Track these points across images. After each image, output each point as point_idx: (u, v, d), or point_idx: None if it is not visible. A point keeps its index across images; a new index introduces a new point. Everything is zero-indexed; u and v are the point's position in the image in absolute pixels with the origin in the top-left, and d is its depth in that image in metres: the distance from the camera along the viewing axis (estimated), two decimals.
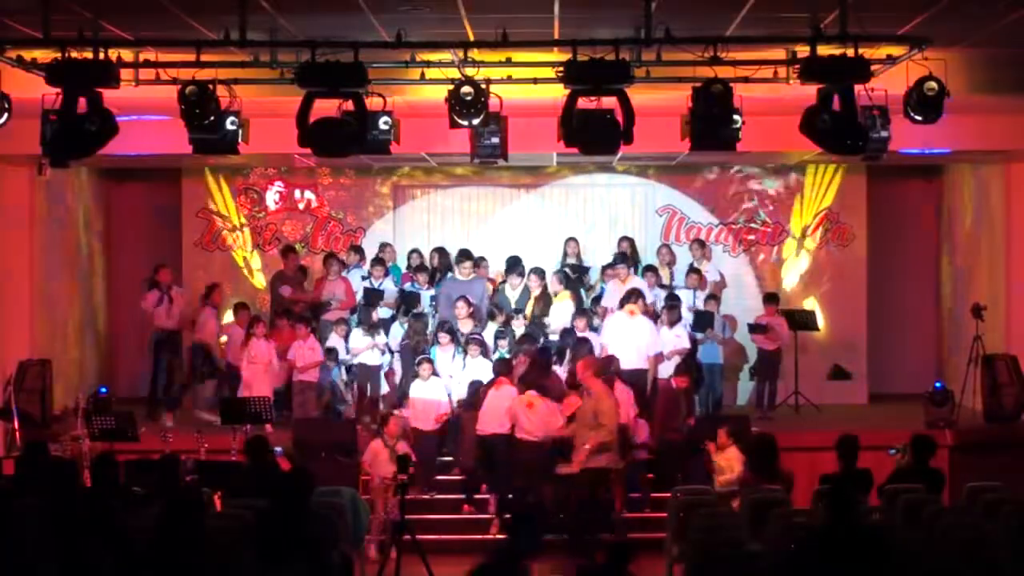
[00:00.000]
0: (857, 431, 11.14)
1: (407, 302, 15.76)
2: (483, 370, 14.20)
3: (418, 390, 14.09)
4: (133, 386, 18.01)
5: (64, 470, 10.47)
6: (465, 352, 14.49)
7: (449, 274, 16.14)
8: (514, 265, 15.86)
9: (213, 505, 10.42)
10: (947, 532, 8.96)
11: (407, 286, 16.13)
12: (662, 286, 15.99)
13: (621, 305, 14.73)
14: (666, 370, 14.64)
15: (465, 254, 15.95)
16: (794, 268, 18.25)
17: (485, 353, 14.44)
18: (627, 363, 14.21)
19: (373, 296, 15.64)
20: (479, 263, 16.14)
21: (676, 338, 14.87)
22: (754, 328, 16.51)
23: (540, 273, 15.75)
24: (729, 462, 12.06)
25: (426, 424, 13.95)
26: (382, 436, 13.27)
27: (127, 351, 18.82)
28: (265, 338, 15.15)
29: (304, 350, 15.04)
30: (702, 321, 15.54)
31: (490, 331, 14.96)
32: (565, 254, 16.81)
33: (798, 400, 16.63)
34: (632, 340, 14.46)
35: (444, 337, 14.71)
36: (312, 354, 15.04)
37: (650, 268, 16.27)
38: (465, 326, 14.86)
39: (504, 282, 15.98)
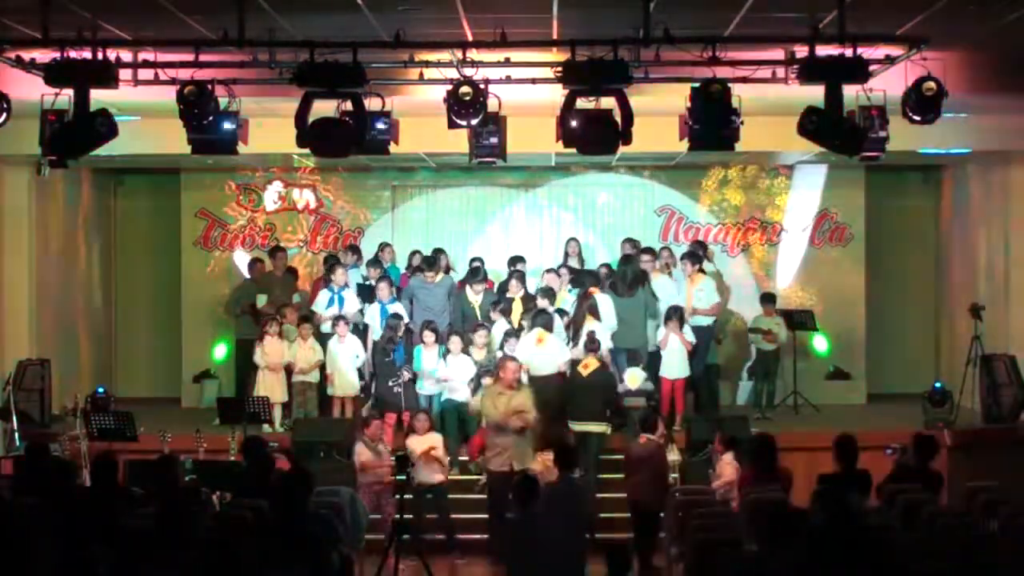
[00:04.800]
0: (856, 431, 11.12)
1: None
2: (466, 367, 14.20)
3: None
4: (133, 386, 18.05)
5: (64, 470, 10.47)
6: (448, 351, 14.36)
7: (418, 275, 15.82)
8: (475, 272, 15.67)
9: (212, 505, 10.43)
10: (945, 532, 8.97)
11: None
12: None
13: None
14: (671, 366, 14.80)
15: (437, 255, 15.77)
16: (793, 268, 18.24)
17: (467, 350, 14.37)
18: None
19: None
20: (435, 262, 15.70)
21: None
22: (753, 329, 16.55)
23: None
24: (722, 467, 12.04)
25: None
26: (362, 439, 13.14)
27: (127, 351, 18.83)
28: (278, 336, 15.13)
29: (305, 350, 15.04)
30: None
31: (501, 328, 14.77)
32: (566, 254, 16.72)
33: (797, 400, 16.63)
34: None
35: (428, 336, 14.58)
36: (313, 354, 15.03)
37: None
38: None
39: (466, 287, 15.45)
